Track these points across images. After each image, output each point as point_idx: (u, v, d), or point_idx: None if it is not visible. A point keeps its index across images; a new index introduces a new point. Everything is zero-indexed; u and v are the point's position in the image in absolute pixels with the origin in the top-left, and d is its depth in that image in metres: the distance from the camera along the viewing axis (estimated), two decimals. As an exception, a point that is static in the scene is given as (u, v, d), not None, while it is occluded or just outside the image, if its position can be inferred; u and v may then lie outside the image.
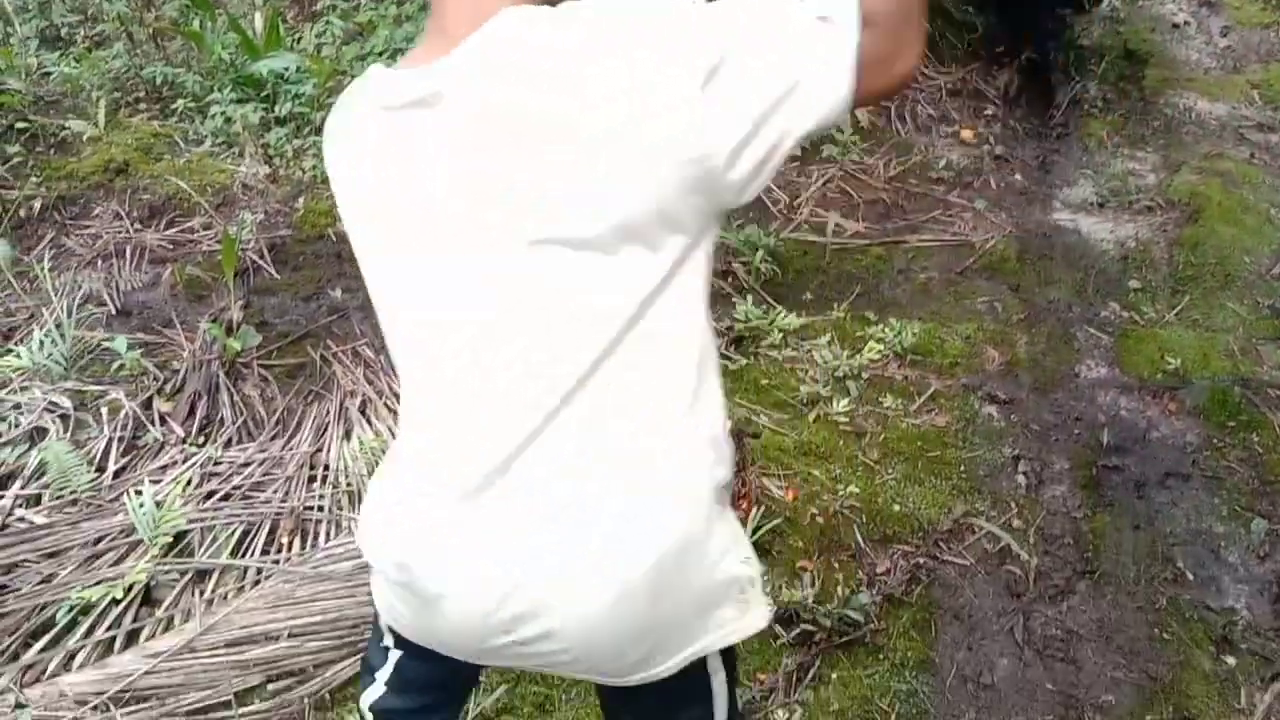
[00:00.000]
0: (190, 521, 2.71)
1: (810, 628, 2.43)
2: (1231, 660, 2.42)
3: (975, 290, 3.80)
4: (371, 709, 1.54)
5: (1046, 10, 5.17)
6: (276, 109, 4.82)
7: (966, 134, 4.82)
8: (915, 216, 4.24)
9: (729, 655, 1.36)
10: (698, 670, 1.29)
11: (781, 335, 3.47)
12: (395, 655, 1.47)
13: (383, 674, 1.50)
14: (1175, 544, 2.73)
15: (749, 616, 1.29)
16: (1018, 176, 4.54)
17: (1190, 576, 2.64)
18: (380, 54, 4.81)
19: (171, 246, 4.08)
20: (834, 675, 2.37)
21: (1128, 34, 5.49)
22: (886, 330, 3.48)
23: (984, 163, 4.60)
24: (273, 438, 3.07)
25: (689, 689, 1.32)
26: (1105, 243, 4.06)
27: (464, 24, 1.13)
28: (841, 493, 2.82)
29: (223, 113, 4.72)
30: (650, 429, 1.17)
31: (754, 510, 2.67)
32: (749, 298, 3.64)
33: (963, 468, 2.97)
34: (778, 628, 2.44)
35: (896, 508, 2.81)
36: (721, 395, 1.23)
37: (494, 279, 1.15)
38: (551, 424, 1.14)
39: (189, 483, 2.86)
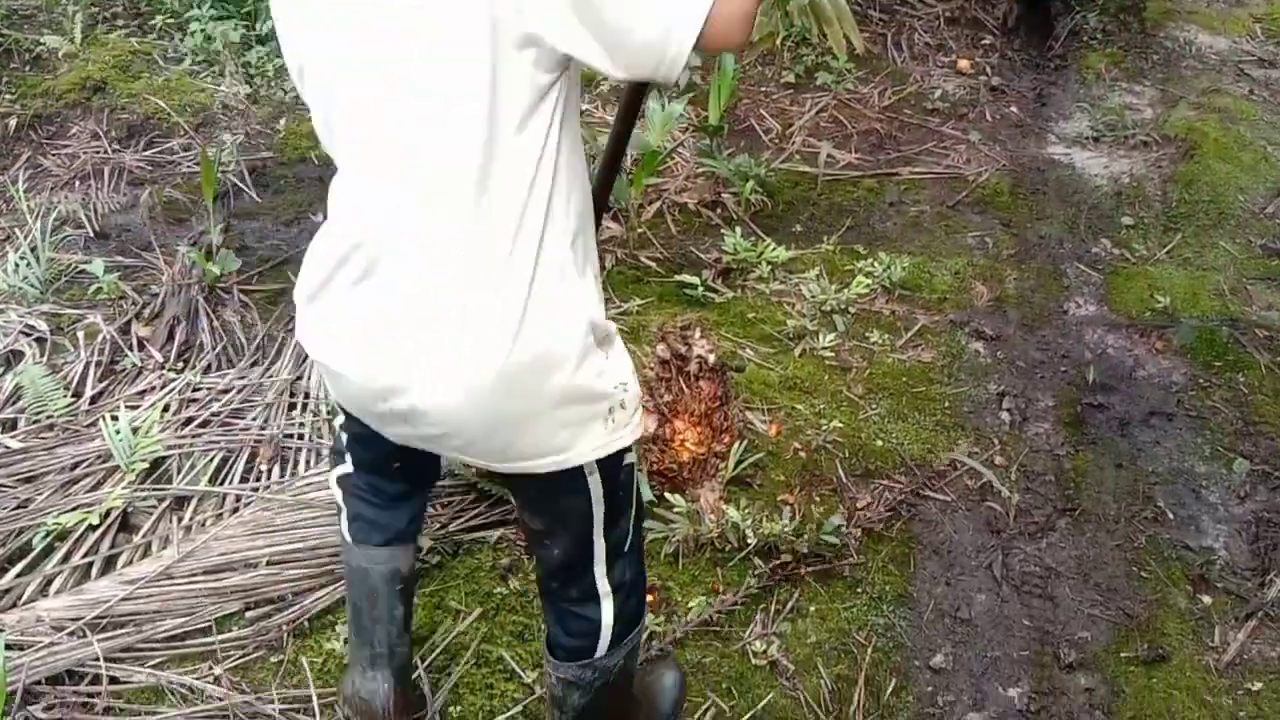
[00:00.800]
0: (168, 448, 2.68)
1: (787, 557, 2.43)
2: (1207, 599, 2.44)
3: (966, 224, 3.76)
4: (338, 481, 1.87)
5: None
6: (258, 26, 4.71)
7: (963, 64, 4.73)
8: (908, 148, 4.18)
9: (612, 467, 1.55)
10: (574, 473, 1.52)
11: (770, 268, 3.43)
12: (344, 436, 1.81)
13: (347, 454, 1.83)
14: (1157, 483, 2.74)
15: (615, 434, 1.51)
16: (1013, 109, 4.47)
17: (1170, 516, 2.64)
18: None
19: (150, 168, 4.00)
20: (812, 608, 2.38)
21: (1130, -36, 5.37)
22: (875, 264, 3.45)
23: (980, 94, 4.53)
24: (252, 364, 3.04)
25: (567, 485, 1.54)
26: (1099, 178, 4.01)
27: None
28: (825, 427, 2.81)
29: (202, 30, 4.59)
30: (513, 253, 1.35)
31: (737, 444, 2.66)
32: (738, 229, 3.59)
33: (947, 404, 2.95)
34: (756, 559, 2.44)
35: (879, 443, 2.80)
36: (594, 256, 1.49)
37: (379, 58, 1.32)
38: (430, 229, 1.36)
39: (167, 408, 2.82)
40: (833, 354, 3.09)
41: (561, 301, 1.41)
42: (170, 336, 3.12)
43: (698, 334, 2.79)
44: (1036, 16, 5.05)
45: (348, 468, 1.84)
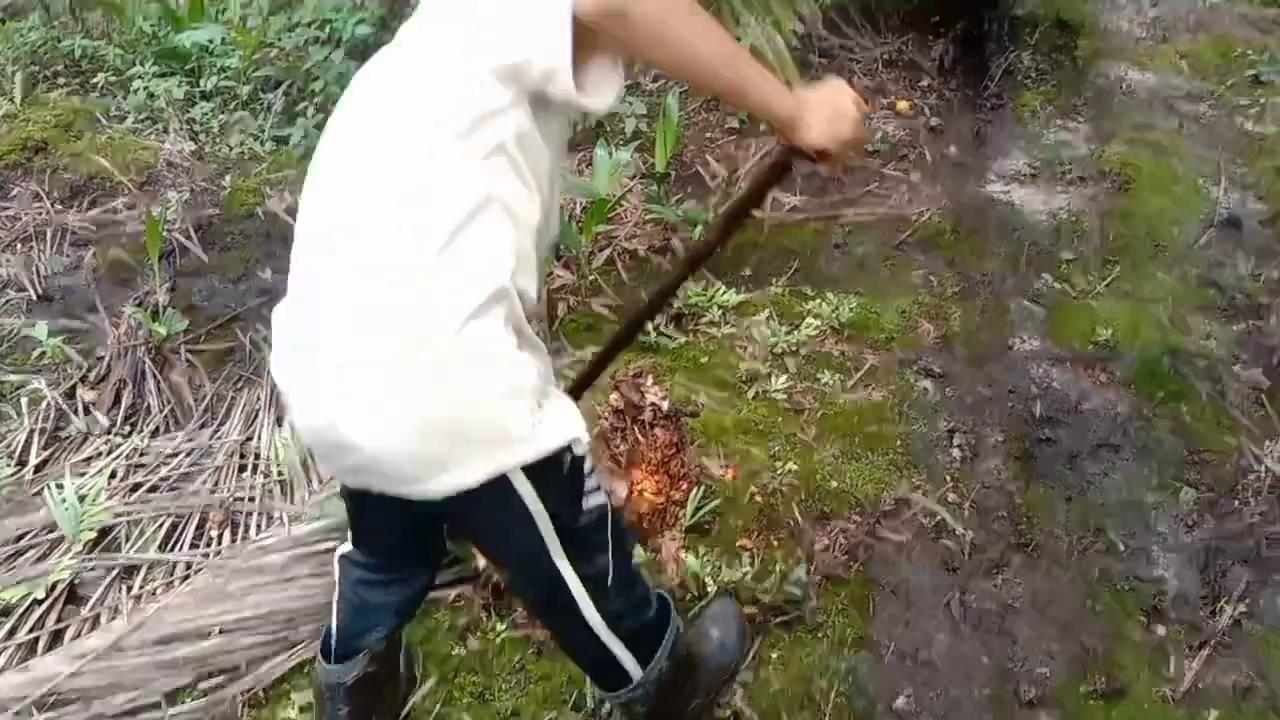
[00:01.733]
0: (116, 515, 2.64)
1: (751, 609, 2.43)
2: (1161, 630, 2.47)
3: (911, 264, 3.81)
4: (340, 557, 1.91)
5: (981, -20, 5.18)
6: (201, 83, 4.69)
7: (902, 105, 4.82)
8: (852, 190, 4.24)
9: (546, 476, 1.52)
10: (503, 489, 1.49)
11: (720, 312, 3.46)
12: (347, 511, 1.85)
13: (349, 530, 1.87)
14: (1107, 515, 2.78)
15: (538, 439, 1.49)
16: (952, 148, 4.56)
17: (1121, 547, 2.68)
18: (309, 24, 4.69)
19: (94, 228, 3.95)
20: (774, 655, 2.38)
21: (1060, 3, 5.51)
22: (824, 305, 3.48)
23: (919, 135, 4.61)
24: (201, 426, 3.00)
25: (500, 507, 1.51)
26: (1038, 214, 4.10)
27: None
28: (780, 470, 2.82)
29: (145, 87, 4.57)
30: (417, 278, 1.42)
31: (694, 490, 2.66)
32: (687, 274, 3.62)
33: (899, 443, 2.98)
34: (717, 609, 2.43)
35: (834, 484, 2.82)
36: (509, 247, 1.48)
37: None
38: (353, 284, 1.46)
39: (114, 475, 2.78)
40: (785, 396, 3.11)
41: (469, 312, 1.44)
42: (117, 400, 3.08)
43: (650, 380, 2.80)
44: (972, 57, 5.16)
45: (347, 545, 1.91)
